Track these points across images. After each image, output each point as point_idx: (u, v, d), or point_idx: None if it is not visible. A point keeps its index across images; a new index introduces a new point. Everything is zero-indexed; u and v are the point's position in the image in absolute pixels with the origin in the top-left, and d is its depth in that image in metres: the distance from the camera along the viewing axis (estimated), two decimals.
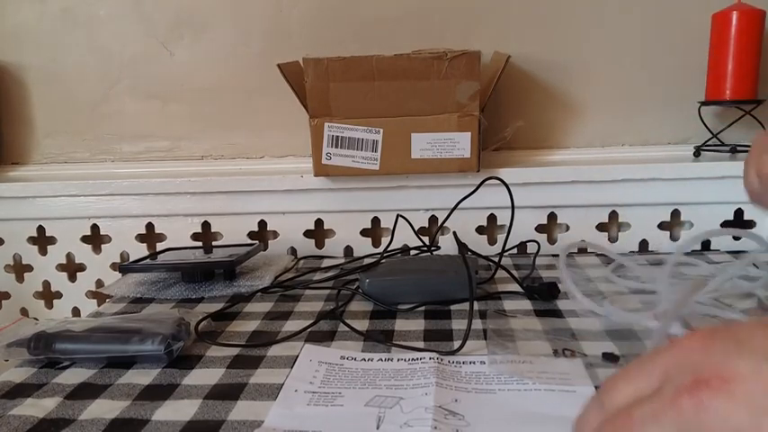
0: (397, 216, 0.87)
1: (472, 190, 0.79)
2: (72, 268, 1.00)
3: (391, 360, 0.52)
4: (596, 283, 0.71)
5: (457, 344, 0.55)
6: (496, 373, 0.49)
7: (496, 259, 0.79)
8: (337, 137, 0.86)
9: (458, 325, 0.61)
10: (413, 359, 0.52)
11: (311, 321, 0.62)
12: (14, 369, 0.54)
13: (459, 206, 0.80)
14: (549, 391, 0.46)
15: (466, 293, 0.61)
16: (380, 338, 0.58)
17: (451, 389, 0.47)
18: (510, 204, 0.76)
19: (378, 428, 0.42)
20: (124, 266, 0.78)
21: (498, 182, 0.78)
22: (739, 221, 0.89)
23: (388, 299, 0.67)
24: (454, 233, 0.69)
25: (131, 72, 0.99)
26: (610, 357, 0.51)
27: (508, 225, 0.78)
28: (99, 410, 0.46)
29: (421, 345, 0.56)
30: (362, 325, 0.62)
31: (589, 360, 0.51)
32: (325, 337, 0.59)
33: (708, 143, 0.90)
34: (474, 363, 0.51)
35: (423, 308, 0.66)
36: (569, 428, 0.27)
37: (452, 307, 0.66)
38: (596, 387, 0.46)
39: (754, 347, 0.23)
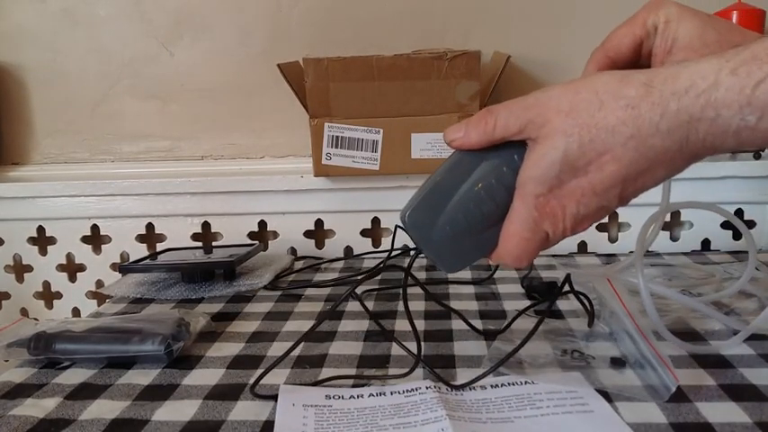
0: (396, 227, 0.87)
1: None
2: (72, 268, 1.00)
3: (384, 394, 0.47)
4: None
5: (457, 347, 0.55)
6: (502, 399, 0.46)
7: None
8: (337, 137, 0.86)
9: (458, 326, 0.61)
10: (408, 390, 0.47)
11: (311, 321, 0.63)
12: (14, 369, 0.54)
13: None
14: (566, 414, 0.43)
15: None
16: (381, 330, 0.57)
17: (466, 420, 0.42)
18: None
19: None
20: (124, 267, 0.78)
21: None
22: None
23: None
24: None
25: (131, 72, 0.99)
26: (617, 362, 0.50)
27: None
28: (99, 411, 0.46)
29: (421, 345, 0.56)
30: (362, 325, 0.62)
31: (596, 363, 0.50)
32: (328, 338, 0.59)
33: None
34: (475, 388, 0.47)
35: (423, 308, 0.66)
36: None
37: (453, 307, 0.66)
38: (608, 400, 0.46)
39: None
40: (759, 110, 0.31)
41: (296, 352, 0.56)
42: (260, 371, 0.52)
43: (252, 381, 0.50)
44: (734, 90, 0.31)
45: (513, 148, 0.39)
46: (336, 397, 0.47)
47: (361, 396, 0.47)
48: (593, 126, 0.35)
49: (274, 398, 0.47)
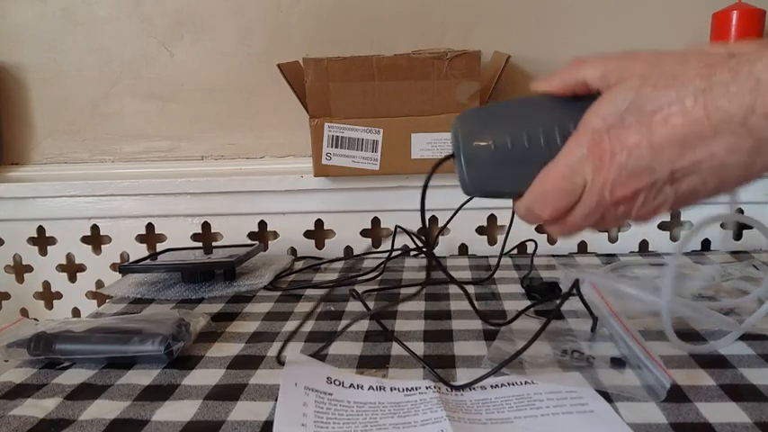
0: (396, 227, 0.87)
1: None
2: (72, 269, 1.00)
3: (384, 389, 0.47)
4: None
5: (457, 347, 0.55)
6: (502, 399, 0.46)
7: (496, 260, 0.79)
8: (337, 137, 0.85)
9: (458, 326, 0.61)
10: (408, 389, 0.47)
11: (312, 321, 0.63)
12: (14, 369, 0.54)
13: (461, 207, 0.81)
14: (567, 414, 0.43)
15: None
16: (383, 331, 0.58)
17: (465, 422, 0.42)
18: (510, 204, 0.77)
19: None
20: (124, 267, 0.78)
21: None
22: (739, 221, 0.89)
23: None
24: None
25: (131, 72, 0.99)
26: (617, 362, 0.50)
27: (508, 225, 0.78)
28: (99, 411, 0.46)
29: (421, 345, 0.56)
30: (362, 325, 0.62)
31: (596, 363, 0.50)
32: (328, 337, 0.59)
33: None
34: (475, 389, 0.47)
35: (423, 308, 0.66)
36: None
37: (453, 307, 0.66)
38: (608, 400, 0.46)
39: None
40: None
41: (297, 350, 0.56)
42: (260, 371, 0.52)
43: (252, 381, 0.50)
44: None
45: (586, 108, 0.37)
46: (337, 383, 0.47)
47: (361, 387, 0.47)
48: (671, 76, 0.35)
49: (275, 397, 0.46)
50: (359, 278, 0.78)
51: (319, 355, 0.55)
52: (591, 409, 0.43)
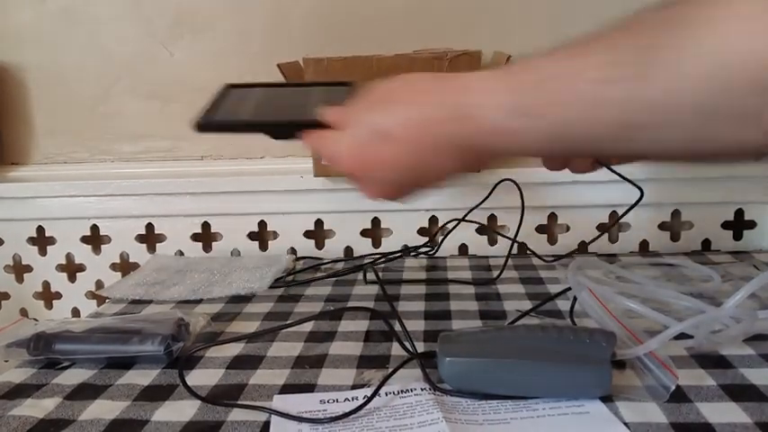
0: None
1: (487, 194, 0.81)
2: (72, 269, 1.00)
3: (378, 395, 0.47)
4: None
5: None
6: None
7: (496, 260, 0.79)
8: None
9: (458, 326, 0.61)
10: (403, 391, 0.47)
11: (312, 322, 0.63)
12: (14, 369, 0.54)
13: (459, 207, 0.81)
14: (562, 415, 0.43)
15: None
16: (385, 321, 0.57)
17: (462, 423, 0.42)
18: (514, 205, 0.77)
19: None
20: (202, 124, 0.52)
21: (499, 183, 0.79)
22: (740, 222, 0.89)
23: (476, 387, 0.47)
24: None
25: (131, 72, 0.99)
26: (617, 362, 0.50)
27: (517, 227, 0.78)
28: (99, 411, 0.46)
29: (421, 345, 0.56)
30: (362, 325, 0.62)
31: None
32: (328, 338, 0.59)
33: None
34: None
35: (423, 308, 0.66)
36: None
37: (453, 307, 0.66)
38: (608, 401, 0.46)
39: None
40: None
41: (295, 352, 0.56)
42: (260, 371, 0.52)
43: (252, 381, 0.50)
44: None
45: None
46: (331, 401, 0.47)
47: (356, 398, 0.47)
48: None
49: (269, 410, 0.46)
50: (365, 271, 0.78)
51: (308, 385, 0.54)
52: (587, 410, 0.44)
